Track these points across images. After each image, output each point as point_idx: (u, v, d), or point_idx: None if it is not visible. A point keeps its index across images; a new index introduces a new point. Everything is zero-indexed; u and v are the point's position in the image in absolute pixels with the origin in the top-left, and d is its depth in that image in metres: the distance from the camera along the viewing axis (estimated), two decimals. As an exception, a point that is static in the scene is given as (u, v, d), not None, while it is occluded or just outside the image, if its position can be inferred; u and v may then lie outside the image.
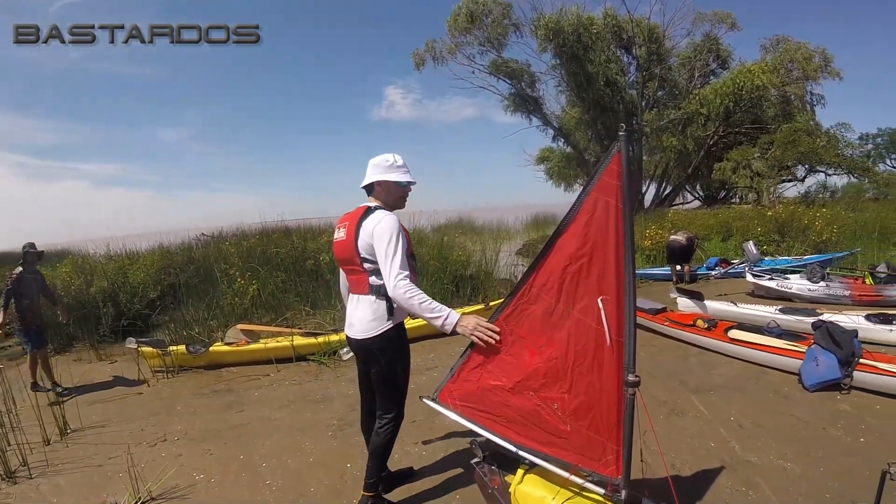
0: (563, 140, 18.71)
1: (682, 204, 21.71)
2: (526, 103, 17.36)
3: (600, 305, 1.72)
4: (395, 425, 2.42)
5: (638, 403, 1.74)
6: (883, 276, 6.73)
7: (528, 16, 15.33)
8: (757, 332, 4.58)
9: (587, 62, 14.75)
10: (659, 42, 16.01)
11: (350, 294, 2.42)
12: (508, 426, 2.05)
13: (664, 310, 5.85)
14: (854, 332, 3.87)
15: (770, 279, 7.16)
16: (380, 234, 2.16)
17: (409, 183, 2.38)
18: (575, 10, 14.51)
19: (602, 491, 1.87)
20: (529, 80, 17.00)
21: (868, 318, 4.83)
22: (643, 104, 16.75)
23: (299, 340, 5.31)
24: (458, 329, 2.05)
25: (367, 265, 2.25)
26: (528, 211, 20.68)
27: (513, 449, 2.04)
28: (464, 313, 5.23)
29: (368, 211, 2.28)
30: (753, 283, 7.24)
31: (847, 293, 6.50)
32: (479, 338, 2.02)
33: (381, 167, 2.35)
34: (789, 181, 18.51)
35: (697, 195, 24.21)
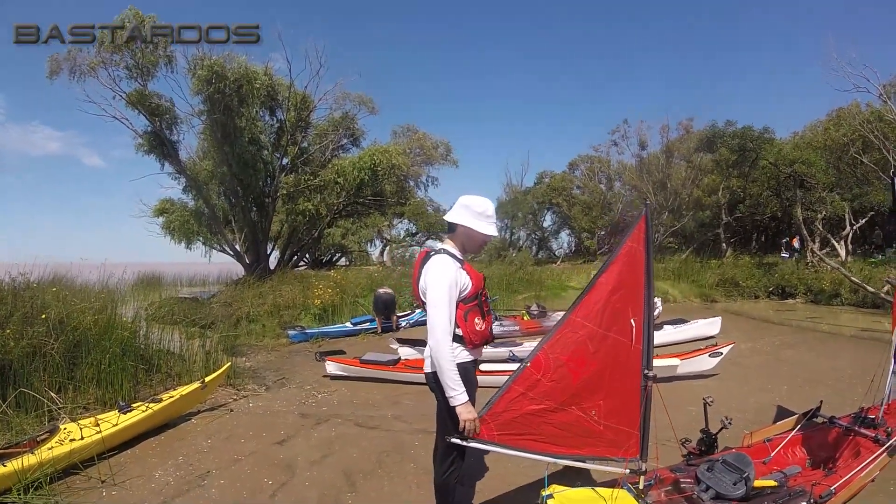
0: (194, 192, 17.83)
1: (294, 268, 24.07)
2: (163, 146, 15.91)
3: (633, 324, 2.62)
4: (455, 469, 2.62)
5: (655, 395, 2.70)
6: (536, 312, 10.33)
7: (189, 50, 14.63)
8: (502, 363, 6.32)
9: (238, 116, 15.08)
10: (309, 111, 18.08)
11: None
12: (547, 441, 2.59)
13: (399, 359, 6.96)
14: None
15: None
16: (432, 283, 2.53)
17: (493, 237, 2.69)
18: (244, 59, 14.91)
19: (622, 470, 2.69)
20: (171, 120, 15.84)
21: None
22: (283, 166, 18.15)
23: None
24: (458, 410, 2.45)
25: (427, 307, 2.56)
26: (132, 270, 18.12)
27: (552, 461, 2.62)
28: (182, 395, 4.75)
29: (428, 256, 2.65)
30: None
31: (517, 328, 9.59)
32: (466, 428, 2.44)
33: (472, 212, 2.63)
34: (420, 245, 24.31)
35: (306, 260, 27.49)
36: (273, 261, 20.68)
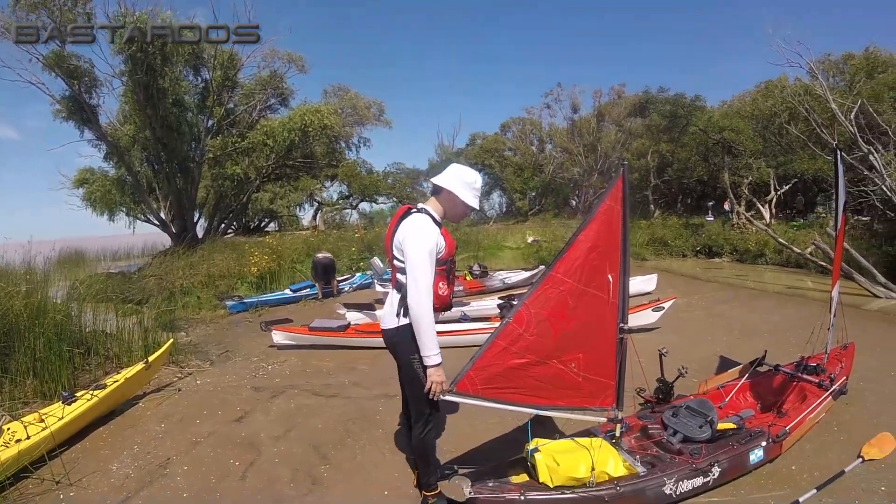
0: (115, 159, 16.76)
1: (223, 236, 23.39)
2: (82, 111, 14.79)
3: (610, 280, 2.75)
4: (433, 426, 2.71)
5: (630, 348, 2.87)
6: (477, 272, 10.70)
7: (110, 7, 13.61)
8: (455, 322, 6.45)
9: (161, 76, 14.27)
10: (236, 70, 17.25)
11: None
12: (530, 393, 2.72)
13: (349, 325, 6.96)
14: None
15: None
16: (413, 242, 2.54)
17: (474, 209, 2.79)
18: (168, 15, 13.92)
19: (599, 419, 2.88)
20: (90, 83, 14.72)
21: (499, 304, 7.55)
22: (208, 129, 17.30)
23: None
24: (429, 371, 2.54)
25: (397, 262, 2.61)
26: (51, 246, 16.90)
27: (534, 412, 2.77)
28: (126, 378, 4.55)
29: (408, 212, 2.68)
30: (383, 291, 9.35)
31: (461, 288, 9.84)
32: (432, 389, 2.54)
33: (461, 180, 2.69)
34: (354, 207, 24.51)
35: (233, 227, 26.70)
36: (200, 229, 19.99)
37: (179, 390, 5.52)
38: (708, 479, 2.86)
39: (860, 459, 3.35)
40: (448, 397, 2.60)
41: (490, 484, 2.65)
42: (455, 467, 3.26)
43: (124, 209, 20.58)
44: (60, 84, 14.61)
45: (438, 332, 2.58)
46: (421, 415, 2.72)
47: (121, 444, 4.25)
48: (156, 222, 18.66)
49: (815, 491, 3.00)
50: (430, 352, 2.51)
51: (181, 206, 17.35)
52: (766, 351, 4.45)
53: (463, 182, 2.69)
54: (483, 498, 2.57)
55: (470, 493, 2.54)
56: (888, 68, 18.19)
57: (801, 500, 2.89)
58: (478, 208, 2.82)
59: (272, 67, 19.77)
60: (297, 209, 31.15)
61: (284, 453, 3.93)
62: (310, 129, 18.68)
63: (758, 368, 4.25)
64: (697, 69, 67.92)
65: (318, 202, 30.10)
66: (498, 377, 2.64)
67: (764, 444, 3.11)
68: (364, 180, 28.16)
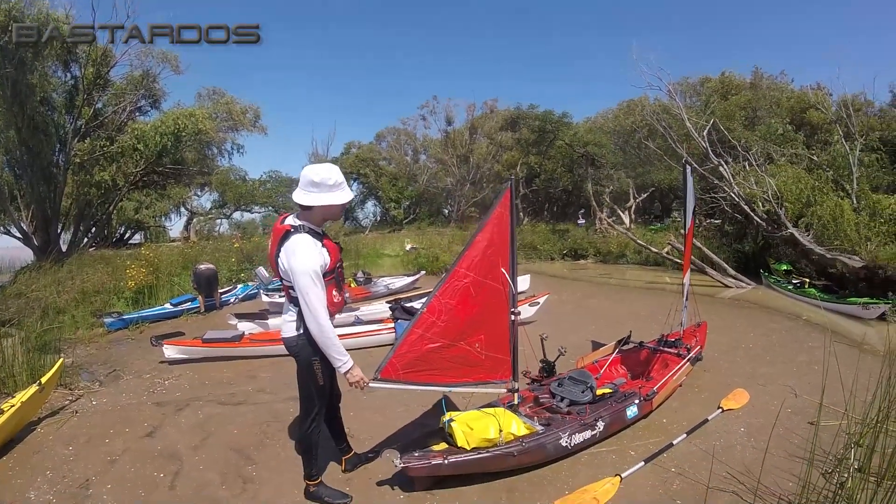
0: None
1: (87, 248, 21.37)
2: None
3: (504, 272, 3.33)
4: (317, 423, 2.95)
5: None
6: (362, 279, 11.10)
7: None
8: (350, 326, 6.80)
9: (31, 71, 12.80)
10: (109, 67, 15.82)
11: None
12: (443, 373, 3.22)
13: (242, 335, 6.98)
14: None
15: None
16: (299, 270, 2.63)
17: (352, 199, 2.86)
18: (45, 4, 12.36)
19: (500, 392, 3.43)
20: None
21: (390, 307, 7.80)
22: (76, 130, 15.74)
23: None
24: (346, 375, 2.79)
25: (286, 282, 2.78)
26: None
27: (448, 390, 3.27)
28: (22, 402, 4.43)
29: (287, 235, 2.71)
30: (268, 301, 9.28)
31: (347, 294, 10.06)
32: (356, 385, 2.82)
33: (325, 187, 2.69)
34: (227, 217, 23.36)
35: (96, 241, 24.47)
36: (63, 242, 18.13)
37: (76, 412, 5.24)
38: (595, 431, 3.54)
39: (720, 410, 4.23)
40: (374, 384, 2.98)
41: (416, 454, 3.05)
42: (377, 450, 3.64)
43: (-6, 223, 18.01)
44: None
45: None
46: (308, 412, 2.94)
47: (31, 471, 4.03)
48: (17, 235, 16.62)
49: (685, 435, 3.78)
50: (341, 361, 2.75)
51: (45, 216, 15.65)
52: (630, 331, 5.34)
53: (328, 188, 2.70)
54: (412, 466, 2.97)
55: (399, 463, 2.92)
56: (740, 91, 20.85)
57: (674, 442, 3.65)
58: (352, 196, 2.89)
59: (146, 66, 18.47)
60: (165, 219, 29.34)
61: (207, 459, 3.97)
62: (183, 134, 17.61)
63: (625, 346, 5.12)
64: (566, 85, 73.99)
65: (189, 211, 28.41)
66: (416, 361, 3.10)
67: (637, 402, 3.88)
68: (239, 188, 27.00)
